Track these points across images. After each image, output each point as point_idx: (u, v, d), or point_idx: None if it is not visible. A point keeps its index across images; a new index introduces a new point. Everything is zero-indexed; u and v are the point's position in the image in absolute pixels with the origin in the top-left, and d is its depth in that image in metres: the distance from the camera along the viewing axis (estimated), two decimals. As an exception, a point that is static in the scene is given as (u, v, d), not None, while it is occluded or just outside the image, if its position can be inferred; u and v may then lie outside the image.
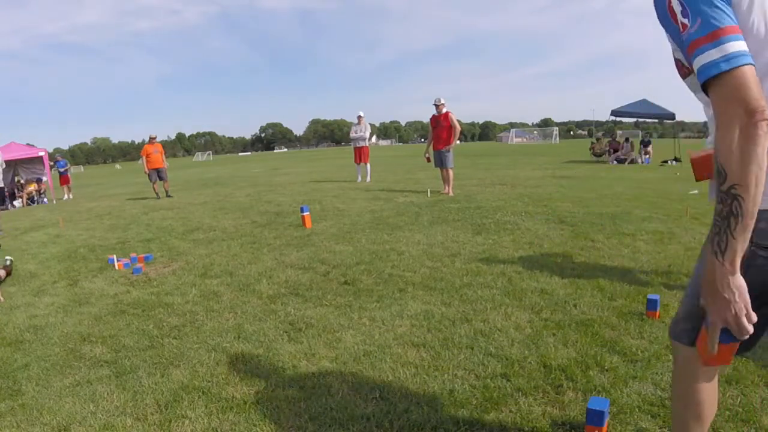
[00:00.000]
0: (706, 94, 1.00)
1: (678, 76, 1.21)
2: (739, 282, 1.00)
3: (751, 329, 1.01)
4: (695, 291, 1.18)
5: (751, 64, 0.93)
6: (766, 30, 1.00)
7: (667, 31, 1.10)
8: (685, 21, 0.99)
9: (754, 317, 1.01)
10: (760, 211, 1.04)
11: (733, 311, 1.00)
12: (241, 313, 3.25)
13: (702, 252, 1.19)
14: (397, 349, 2.55)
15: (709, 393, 1.24)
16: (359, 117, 12.52)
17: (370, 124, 12.86)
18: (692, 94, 1.24)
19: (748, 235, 0.98)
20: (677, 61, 1.16)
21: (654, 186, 9.11)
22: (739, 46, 0.93)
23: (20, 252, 5.91)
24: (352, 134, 12.58)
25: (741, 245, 0.98)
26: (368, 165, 12.59)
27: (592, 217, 5.81)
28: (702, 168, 1.24)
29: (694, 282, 1.21)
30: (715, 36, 0.94)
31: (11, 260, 4.81)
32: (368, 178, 12.53)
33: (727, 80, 0.93)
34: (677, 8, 1.01)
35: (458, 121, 8.77)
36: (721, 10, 0.95)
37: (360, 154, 12.43)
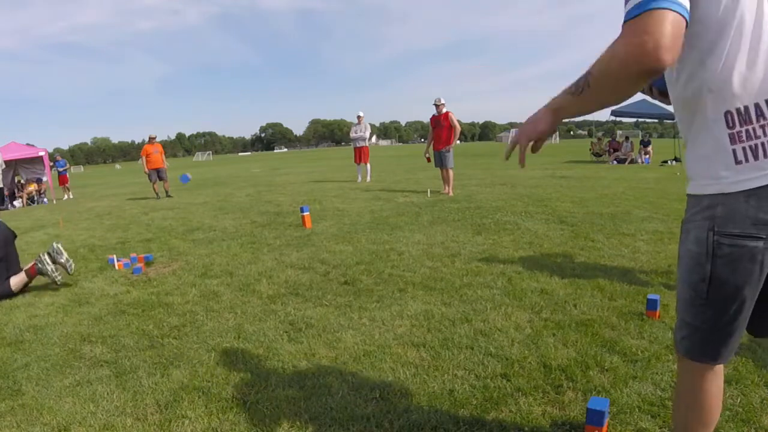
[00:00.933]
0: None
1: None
2: (548, 118, 1.17)
3: (523, 147, 1.24)
4: (680, 294, 1.21)
5: (673, 10, 0.92)
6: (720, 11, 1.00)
7: None
8: None
9: (538, 147, 1.23)
10: (713, 197, 1.08)
11: (527, 132, 1.21)
12: (241, 313, 3.25)
13: (679, 248, 1.21)
14: (397, 349, 2.55)
15: (716, 399, 1.24)
16: (359, 117, 12.52)
17: (370, 124, 12.85)
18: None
19: (574, 110, 1.13)
20: None
21: (654, 186, 9.11)
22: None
23: (20, 252, 5.90)
24: (352, 134, 12.58)
25: (570, 107, 1.13)
26: (368, 165, 12.62)
27: (592, 217, 5.81)
28: None
29: (679, 287, 1.22)
30: None
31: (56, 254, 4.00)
32: (368, 178, 12.56)
33: (643, 16, 0.93)
34: None
35: (458, 121, 8.77)
36: None
37: (360, 154, 12.44)
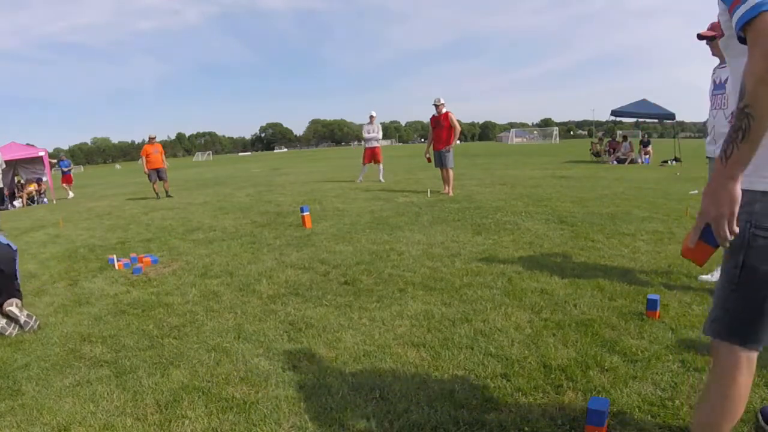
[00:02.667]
0: (743, 42, 1.12)
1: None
2: (735, 190, 1.11)
3: (728, 237, 1.13)
4: (718, 282, 1.34)
5: None
6: None
7: None
8: None
9: (736, 230, 1.13)
10: (754, 193, 1.19)
11: (719, 211, 1.12)
12: (241, 313, 3.25)
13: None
14: (397, 349, 2.55)
15: (744, 392, 1.30)
16: (371, 117, 12.25)
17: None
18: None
19: (752, 154, 1.09)
20: (717, 23, 1.44)
21: (654, 186, 9.11)
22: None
23: (20, 252, 5.90)
24: (366, 134, 12.27)
25: (744, 157, 1.10)
26: (381, 165, 12.39)
27: (592, 217, 5.81)
28: (699, 255, 1.27)
29: (720, 282, 1.33)
30: None
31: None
32: (382, 178, 12.23)
33: (763, 18, 1.03)
34: None
35: (458, 121, 8.77)
36: None
37: (373, 155, 12.18)
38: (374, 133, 12.19)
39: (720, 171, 1.13)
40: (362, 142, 12.75)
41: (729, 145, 1.11)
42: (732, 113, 1.20)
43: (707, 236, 1.19)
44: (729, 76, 1.49)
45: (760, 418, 1.76)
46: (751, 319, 1.25)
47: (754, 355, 1.29)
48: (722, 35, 1.34)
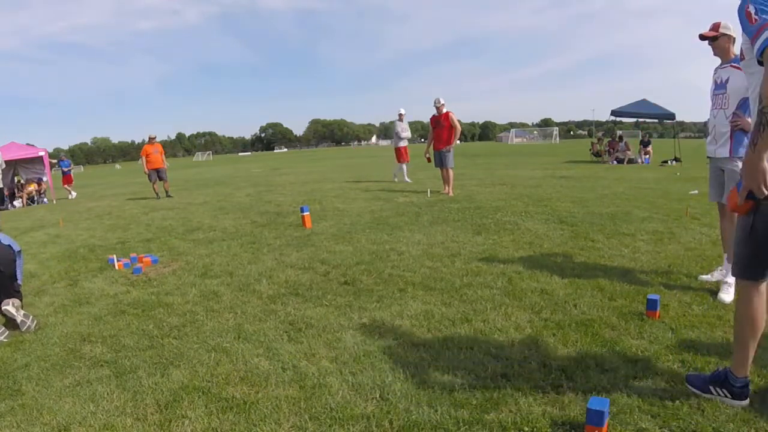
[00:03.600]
0: (761, 64, 1.62)
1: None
2: (763, 166, 1.65)
3: (766, 192, 1.66)
4: (735, 238, 1.91)
5: None
6: None
7: (742, 26, 1.69)
8: (756, 17, 1.60)
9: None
10: None
11: (757, 183, 1.67)
12: (241, 313, 3.25)
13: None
14: (397, 349, 2.55)
15: (760, 312, 1.85)
16: (401, 114, 11.95)
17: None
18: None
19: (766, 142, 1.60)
20: (741, 51, 1.91)
21: (654, 186, 9.12)
22: None
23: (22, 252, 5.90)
24: (403, 133, 11.88)
25: (766, 145, 1.61)
26: (407, 164, 12.14)
27: (592, 217, 5.81)
28: (743, 208, 1.83)
29: (736, 230, 1.91)
30: None
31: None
32: (408, 178, 11.97)
33: None
34: (752, 10, 1.62)
35: (458, 121, 8.76)
36: None
37: (405, 153, 11.88)
38: (407, 132, 12.03)
39: (750, 156, 1.67)
40: (393, 141, 12.54)
41: (755, 136, 1.64)
42: (733, 113, 1.75)
43: (751, 196, 1.76)
44: (748, 86, 1.95)
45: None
46: (761, 262, 1.82)
47: (764, 285, 1.86)
48: (743, 58, 1.89)
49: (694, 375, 2.05)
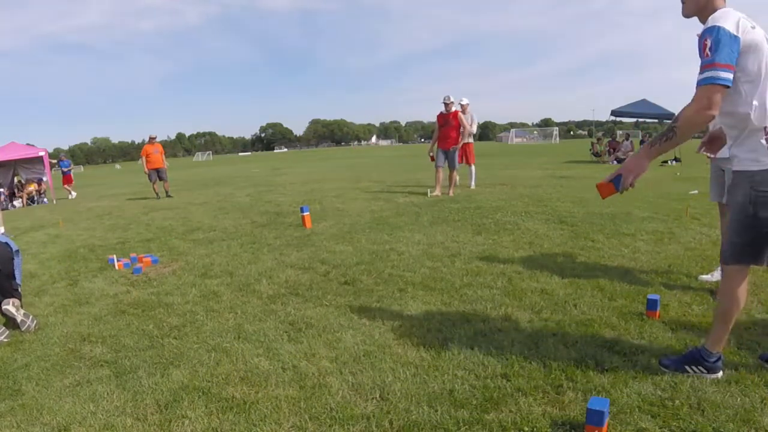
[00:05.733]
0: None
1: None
2: (646, 166, 1.94)
3: (627, 188, 1.95)
4: (730, 226, 2.03)
5: (721, 84, 1.78)
6: (757, 69, 1.85)
7: (699, 52, 1.86)
8: (709, 52, 1.80)
9: (634, 185, 1.95)
10: (757, 171, 1.88)
11: (633, 172, 1.93)
12: (241, 313, 3.25)
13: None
14: (397, 349, 2.55)
15: (743, 291, 2.02)
16: (464, 105, 9.19)
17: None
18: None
19: (667, 151, 1.99)
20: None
21: (654, 186, 9.11)
22: (723, 75, 1.78)
23: (20, 252, 5.90)
24: (471, 128, 9.23)
25: (663, 151, 1.97)
26: (474, 167, 9.76)
27: (592, 217, 5.81)
28: (603, 190, 2.03)
29: (731, 222, 2.03)
30: (713, 65, 1.79)
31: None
32: (473, 184, 9.55)
33: (705, 87, 1.82)
34: (708, 44, 1.81)
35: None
36: (730, 54, 1.78)
37: (465, 153, 9.42)
38: (475, 124, 9.53)
39: (645, 151, 1.95)
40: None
41: (657, 141, 1.95)
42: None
43: (616, 182, 1.94)
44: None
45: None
46: (755, 249, 1.95)
47: (746, 267, 2.02)
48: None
49: (666, 358, 2.20)
